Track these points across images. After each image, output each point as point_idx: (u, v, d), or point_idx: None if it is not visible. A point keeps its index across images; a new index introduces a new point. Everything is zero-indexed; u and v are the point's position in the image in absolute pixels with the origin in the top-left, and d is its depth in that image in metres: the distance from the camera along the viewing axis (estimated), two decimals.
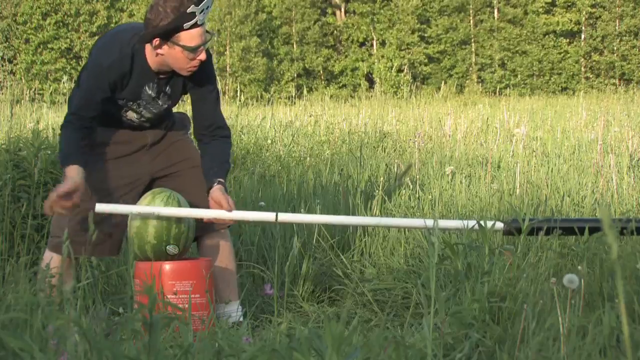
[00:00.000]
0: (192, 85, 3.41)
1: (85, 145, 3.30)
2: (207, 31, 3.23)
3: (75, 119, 3.27)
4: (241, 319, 3.43)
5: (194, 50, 3.18)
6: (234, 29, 33.57)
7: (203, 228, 3.46)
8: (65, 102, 13.24)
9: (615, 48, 33.77)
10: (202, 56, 3.23)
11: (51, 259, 3.34)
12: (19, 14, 33.17)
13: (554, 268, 3.27)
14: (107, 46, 3.30)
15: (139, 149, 3.50)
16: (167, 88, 3.39)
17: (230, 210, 3.31)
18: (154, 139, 3.53)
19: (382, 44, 35.98)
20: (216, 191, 3.32)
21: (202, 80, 3.40)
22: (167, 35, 3.16)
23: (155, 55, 3.25)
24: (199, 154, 3.54)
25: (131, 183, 3.46)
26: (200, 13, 3.16)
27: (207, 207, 3.41)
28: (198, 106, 3.45)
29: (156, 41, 3.19)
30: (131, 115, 3.43)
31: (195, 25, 3.16)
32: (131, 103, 3.38)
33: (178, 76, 3.37)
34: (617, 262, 1.05)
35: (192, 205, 3.40)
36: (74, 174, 3.17)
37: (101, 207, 3.27)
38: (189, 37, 3.17)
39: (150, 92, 3.37)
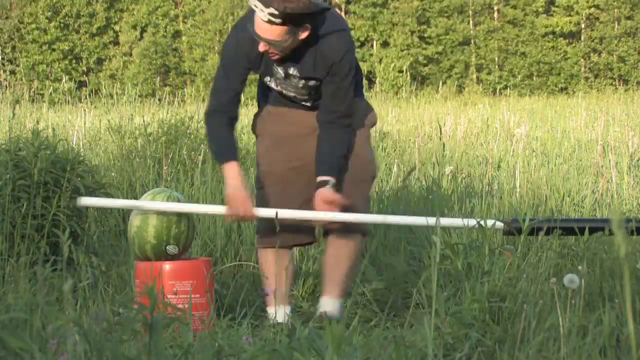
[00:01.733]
0: (322, 68, 3.33)
1: (234, 137, 3.35)
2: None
3: (212, 104, 3.32)
4: (336, 313, 3.39)
5: (257, 37, 3.19)
6: None
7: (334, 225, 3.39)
8: (66, 102, 13.25)
9: (613, 49, 33.79)
10: (261, 47, 3.21)
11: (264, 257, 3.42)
12: (25, 15, 33.19)
13: (554, 268, 3.27)
14: (236, 28, 3.35)
15: (311, 132, 3.41)
16: (292, 69, 3.33)
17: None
18: (313, 125, 3.43)
19: (383, 44, 35.98)
20: (327, 190, 3.28)
21: (330, 64, 3.30)
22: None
23: None
24: (369, 151, 3.49)
25: (301, 167, 3.39)
26: (258, 9, 3.15)
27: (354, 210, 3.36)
28: (325, 89, 3.37)
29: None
30: (285, 93, 3.41)
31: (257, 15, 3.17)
32: (270, 79, 3.37)
33: (306, 58, 3.30)
34: (624, 261, 1.05)
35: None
36: (234, 177, 3.21)
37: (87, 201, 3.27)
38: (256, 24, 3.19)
39: (279, 70, 3.34)
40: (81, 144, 7.64)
